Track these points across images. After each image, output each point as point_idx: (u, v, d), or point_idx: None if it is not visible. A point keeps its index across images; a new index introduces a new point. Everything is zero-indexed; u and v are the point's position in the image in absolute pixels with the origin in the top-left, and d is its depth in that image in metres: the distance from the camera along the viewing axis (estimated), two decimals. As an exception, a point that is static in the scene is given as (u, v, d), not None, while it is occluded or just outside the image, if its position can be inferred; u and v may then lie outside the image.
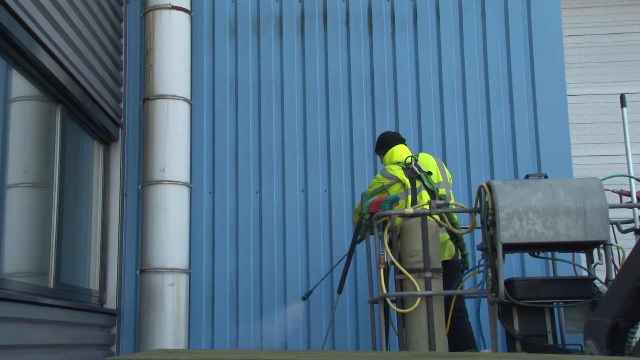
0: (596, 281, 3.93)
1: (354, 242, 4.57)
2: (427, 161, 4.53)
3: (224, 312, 5.28)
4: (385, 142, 4.74)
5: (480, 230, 4.11)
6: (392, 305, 4.07)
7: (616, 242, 3.99)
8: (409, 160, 4.45)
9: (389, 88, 5.60)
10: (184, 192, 5.27)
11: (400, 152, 4.60)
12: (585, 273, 4.10)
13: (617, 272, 3.72)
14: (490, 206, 3.84)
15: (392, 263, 4.07)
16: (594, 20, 5.84)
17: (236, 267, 5.39)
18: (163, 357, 1.96)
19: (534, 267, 5.14)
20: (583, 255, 4.15)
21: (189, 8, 5.55)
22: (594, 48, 5.82)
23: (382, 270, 4.08)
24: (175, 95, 5.29)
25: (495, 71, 5.56)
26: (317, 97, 5.62)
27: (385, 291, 4.07)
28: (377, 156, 4.95)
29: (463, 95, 5.55)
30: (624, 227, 4.14)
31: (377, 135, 5.07)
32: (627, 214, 4.28)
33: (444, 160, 5.40)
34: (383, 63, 5.63)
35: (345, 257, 4.63)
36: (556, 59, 5.49)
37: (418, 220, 4.05)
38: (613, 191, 4.22)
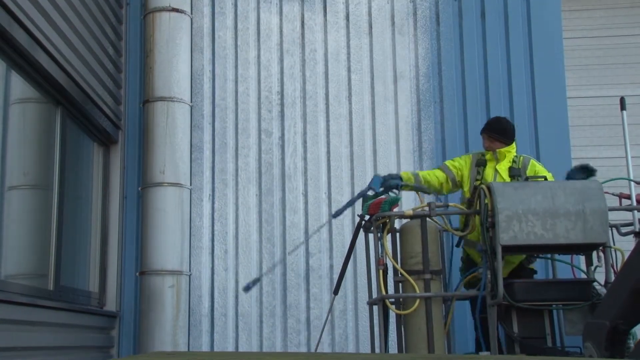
0: (595, 283, 3.92)
1: (353, 244, 4.55)
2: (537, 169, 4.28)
3: (224, 314, 5.29)
4: (512, 134, 4.34)
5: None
6: (392, 307, 4.05)
7: (614, 245, 3.99)
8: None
9: (389, 89, 5.61)
10: (183, 194, 5.28)
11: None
12: (582, 275, 4.10)
13: (616, 275, 3.71)
14: (489, 208, 3.84)
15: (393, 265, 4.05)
16: (594, 23, 5.85)
17: (236, 269, 5.40)
18: (162, 359, 1.95)
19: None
20: (581, 258, 4.15)
21: (189, 10, 5.56)
22: (594, 50, 5.83)
23: (381, 271, 4.06)
24: (175, 98, 5.30)
25: (495, 73, 5.57)
26: (318, 100, 5.63)
27: (384, 293, 4.05)
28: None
29: (463, 97, 5.56)
30: (624, 229, 4.12)
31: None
32: (626, 216, 4.28)
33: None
34: (385, 63, 5.64)
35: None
36: (556, 61, 5.50)
37: (417, 221, 4.03)
38: (612, 194, 4.20)
